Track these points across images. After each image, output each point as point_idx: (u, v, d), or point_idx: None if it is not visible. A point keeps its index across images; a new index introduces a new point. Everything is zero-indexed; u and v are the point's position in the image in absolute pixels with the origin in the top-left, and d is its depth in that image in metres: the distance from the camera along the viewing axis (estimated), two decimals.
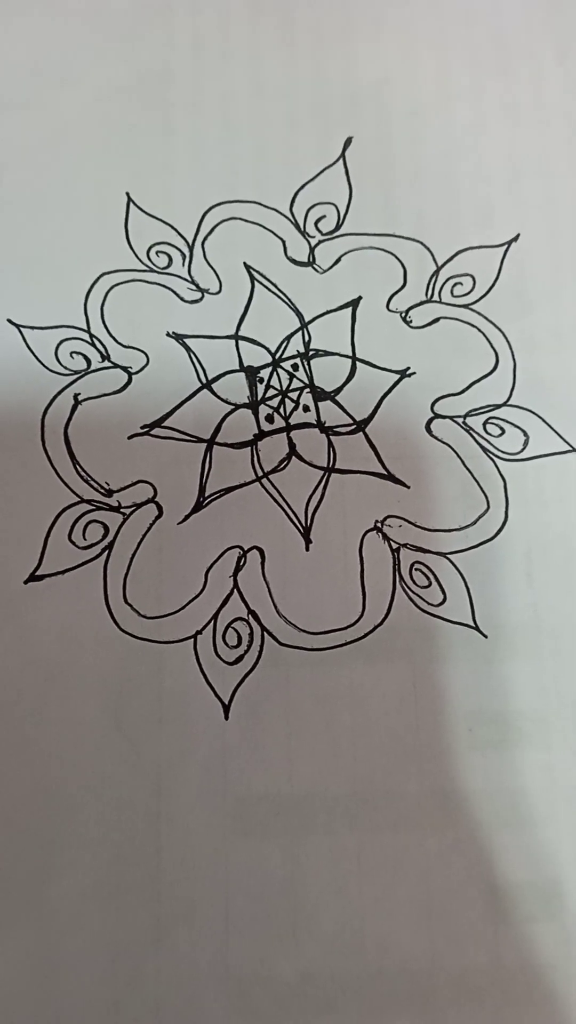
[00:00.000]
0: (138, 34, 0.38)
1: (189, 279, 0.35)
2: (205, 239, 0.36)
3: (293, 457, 0.34)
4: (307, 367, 0.35)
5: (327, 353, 0.35)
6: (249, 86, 0.38)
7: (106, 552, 0.32)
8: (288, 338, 0.35)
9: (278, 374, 0.34)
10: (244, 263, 0.36)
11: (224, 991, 0.29)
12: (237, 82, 0.38)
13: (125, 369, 0.34)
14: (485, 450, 0.34)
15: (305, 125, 0.37)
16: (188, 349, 0.34)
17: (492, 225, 0.37)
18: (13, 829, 0.29)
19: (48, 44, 0.38)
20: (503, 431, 0.34)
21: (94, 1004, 0.28)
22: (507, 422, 0.34)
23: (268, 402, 0.34)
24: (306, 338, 0.35)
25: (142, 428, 0.34)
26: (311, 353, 0.35)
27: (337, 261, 0.36)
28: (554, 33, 0.39)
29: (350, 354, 0.35)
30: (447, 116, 0.38)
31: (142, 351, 0.34)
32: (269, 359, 0.35)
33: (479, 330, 0.35)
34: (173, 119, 0.37)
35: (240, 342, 0.35)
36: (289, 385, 0.34)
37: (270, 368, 0.35)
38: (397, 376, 0.35)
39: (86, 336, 0.34)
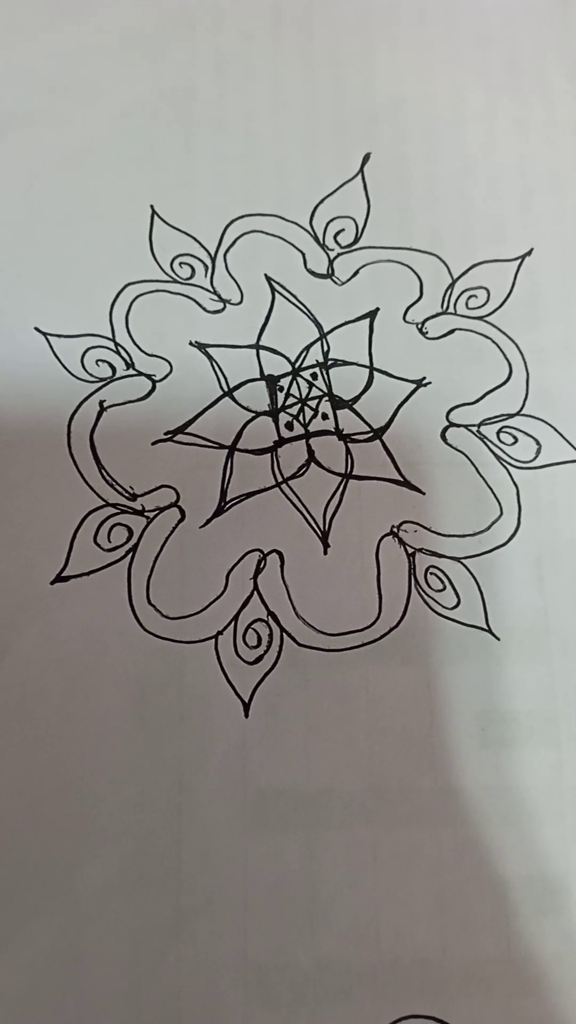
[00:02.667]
0: (162, 52, 0.39)
1: (211, 290, 0.36)
2: (227, 251, 0.37)
3: (312, 463, 0.34)
4: (326, 376, 0.35)
5: (345, 363, 0.36)
6: (270, 103, 0.39)
7: (130, 554, 0.33)
8: (307, 348, 0.36)
9: (298, 383, 0.35)
10: (265, 275, 0.36)
11: (242, 979, 0.29)
12: (258, 99, 0.39)
13: (149, 377, 0.35)
14: (498, 458, 0.35)
15: (324, 142, 0.38)
16: (210, 358, 0.35)
17: (505, 239, 0.37)
18: (40, 822, 0.30)
19: (75, 62, 0.39)
20: (516, 440, 0.35)
21: (117, 991, 0.29)
22: (520, 431, 0.35)
23: (288, 410, 0.35)
24: (325, 348, 0.36)
25: (165, 434, 0.34)
26: (330, 363, 0.35)
27: (355, 273, 0.37)
28: (564, 54, 0.40)
29: (368, 364, 0.35)
30: (461, 134, 0.39)
31: (166, 359, 0.35)
32: (289, 368, 0.35)
33: (493, 341, 0.36)
34: (196, 135, 0.38)
35: (261, 351, 0.35)
36: (308, 393, 0.35)
37: (290, 377, 0.35)
38: (413, 385, 0.35)
39: (111, 344, 0.35)
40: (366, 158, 0.38)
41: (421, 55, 0.40)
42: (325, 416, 0.35)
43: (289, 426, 0.35)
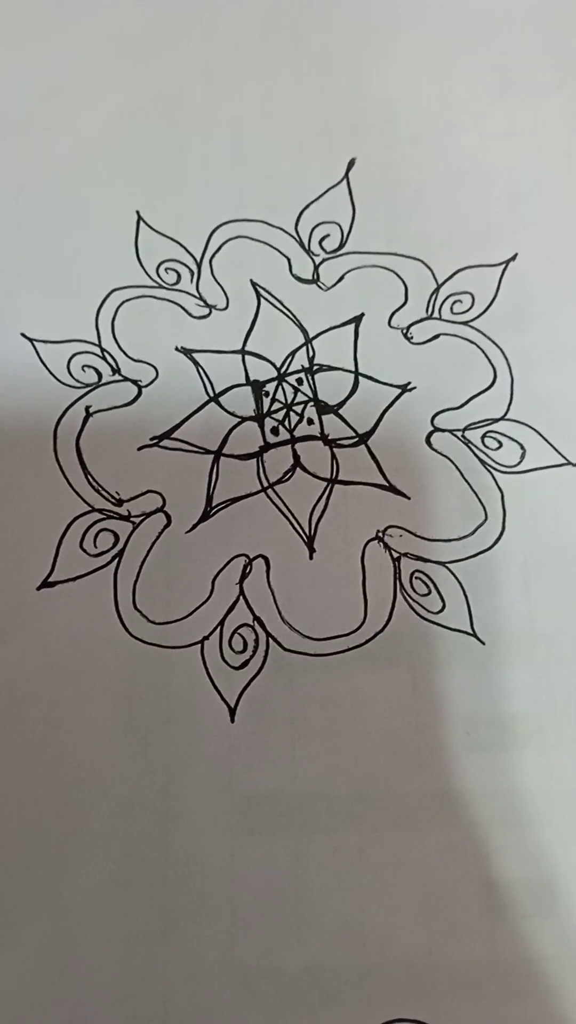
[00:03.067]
0: (152, 58, 0.39)
1: (197, 295, 0.36)
2: (213, 256, 0.37)
3: (297, 468, 0.34)
4: (311, 381, 0.35)
5: (331, 368, 0.36)
6: (259, 109, 0.39)
7: (116, 560, 0.33)
8: (293, 353, 0.36)
9: (283, 388, 0.35)
10: (251, 280, 0.36)
11: (230, 983, 0.29)
12: (247, 105, 0.39)
13: (135, 382, 0.35)
14: (483, 463, 0.35)
15: (312, 147, 0.38)
16: (196, 363, 0.35)
17: (492, 245, 0.37)
18: (28, 827, 0.30)
19: (64, 67, 0.39)
20: (501, 444, 0.35)
21: (105, 995, 0.29)
22: (505, 436, 0.35)
23: (273, 415, 0.35)
24: (310, 353, 0.36)
25: (151, 440, 0.34)
26: (315, 368, 0.36)
27: (341, 279, 0.37)
28: (553, 60, 0.40)
29: (353, 369, 0.36)
30: (449, 139, 0.39)
31: (152, 365, 0.35)
32: (275, 373, 0.35)
33: (478, 346, 0.36)
34: (184, 140, 0.38)
35: (247, 357, 0.36)
36: (294, 399, 0.35)
37: (275, 382, 0.35)
38: (398, 391, 0.35)
39: (97, 350, 0.35)
40: (351, 164, 0.38)
41: (410, 61, 0.40)
42: (311, 421, 0.35)
43: (275, 431, 0.35)
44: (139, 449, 0.34)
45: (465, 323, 0.36)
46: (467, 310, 0.36)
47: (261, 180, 0.38)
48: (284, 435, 0.35)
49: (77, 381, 0.35)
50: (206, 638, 0.32)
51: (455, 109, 0.39)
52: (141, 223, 0.37)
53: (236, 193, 0.37)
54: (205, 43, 0.40)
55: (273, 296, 0.36)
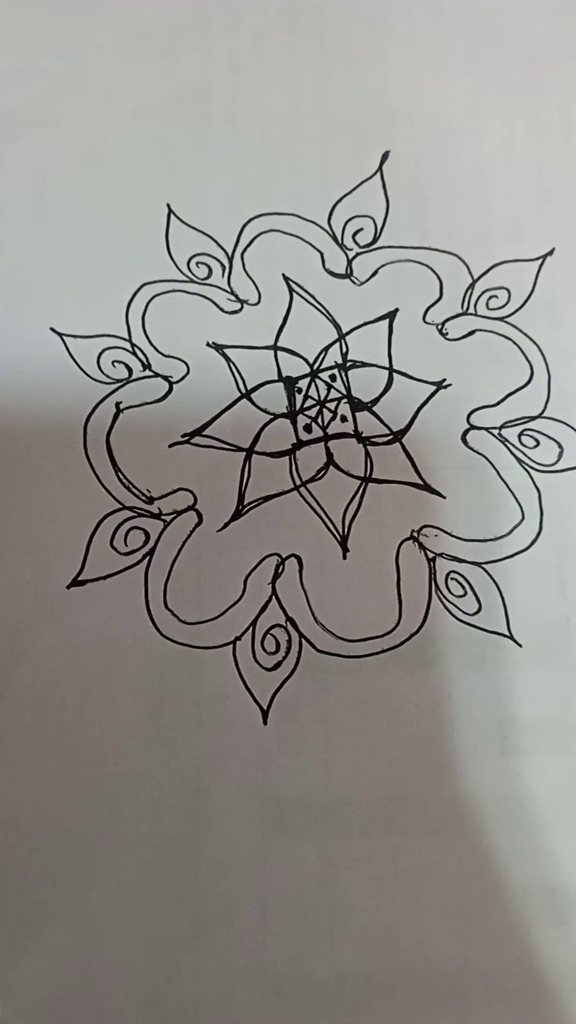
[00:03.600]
0: (177, 52, 0.39)
1: (228, 290, 0.36)
2: (244, 251, 0.36)
3: (331, 467, 0.34)
4: (345, 378, 0.35)
5: (364, 364, 0.35)
6: (285, 102, 0.38)
7: (147, 558, 0.33)
8: (326, 349, 0.35)
9: (316, 384, 0.35)
10: (283, 275, 0.36)
11: (261, 989, 0.29)
12: (273, 98, 0.38)
13: (166, 378, 0.35)
14: (520, 461, 0.34)
15: (341, 140, 0.38)
16: (227, 359, 0.35)
17: (525, 239, 0.37)
18: (58, 829, 0.30)
19: (89, 61, 0.39)
20: (538, 443, 0.34)
21: (134, 1001, 0.29)
22: (542, 434, 0.35)
23: (306, 412, 0.35)
24: (344, 349, 0.35)
25: (182, 437, 0.34)
26: (348, 364, 0.35)
27: (374, 273, 0.36)
28: None
29: (387, 365, 0.35)
30: (479, 133, 0.38)
31: (182, 360, 0.35)
32: (307, 370, 0.35)
33: (514, 343, 0.36)
34: (211, 133, 0.38)
35: (279, 352, 0.35)
36: (327, 395, 0.35)
37: (308, 378, 0.35)
38: (433, 387, 0.35)
39: (127, 345, 0.35)
40: (385, 156, 0.38)
41: (437, 53, 0.39)
42: (344, 418, 0.35)
43: (307, 428, 0.34)
44: (170, 446, 0.34)
45: (501, 319, 0.36)
46: (503, 306, 0.36)
47: (291, 173, 0.37)
48: (317, 432, 0.34)
49: (107, 377, 0.34)
50: (238, 639, 0.32)
51: (484, 101, 0.39)
52: (172, 216, 0.36)
53: (266, 186, 0.37)
54: (229, 35, 0.39)
55: (306, 291, 0.36)
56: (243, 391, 0.35)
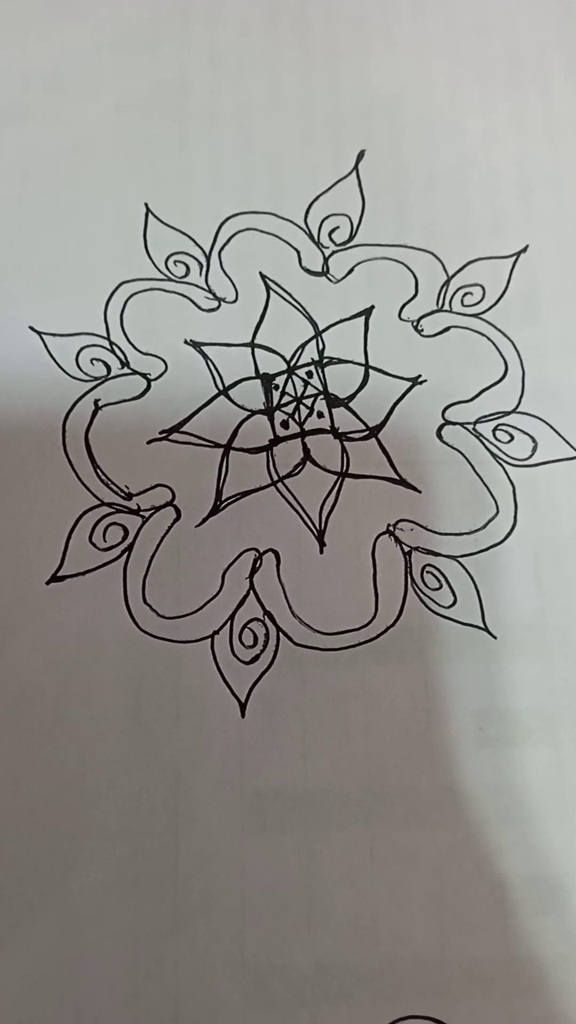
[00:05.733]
0: (156, 47, 0.39)
1: (206, 288, 0.36)
2: (222, 249, 0.36)
3: (307, 462, 0.34)
4: (321, 374, 0.35)
5: (341, 361, 0.35)
6: (265, 98, 0.39)
7: (126, 554, 0.33)
8: (303, 346, 0.36)
9: (293, 381, 0.35)
10: (260, 273, 0.36)
11: (240, 981, 0.29)
12: (253, 94, 0.39)
13: (144, 376, 0.35)
14: (495, 456, 0.34)
15: (320, 138, 0.38)
16: (205, 356, 0.35)
17: (502, 236, 0.37)
18: (36, 823, 0.30)
19: (68, 56, 0.39)
20: (512, 437, 0.35)
21: (114, 994, 0.29)
22: (516, 429, 0.35)
23: (283, 408, 0.35)
24: (320, 346, 0.36)
25: (161, 433, 0.34)
26: (325, 361, 0.35)
27: (350, 271, 0.37)
28: (563, 49, 0.40)
29: (363, 362, 0.35)
30: (459, 129, 0.39)
31: (160, 358, 0.35)
32: (284, 366, 0.35)
33: (489, 339, 0.36)
34: (190, 130, 0.38)
35: (256, 350, 0.35)
36: (304, 392, 0.35)
37: (285, 375, 0.35)
38: (409, 383, 0.35)
39: (106, 343, 0.35)
40: (360, 155, 0.38)
41: (418, 49, 0.40)
42: (320, 414, 0.35)
43: (284, 425, 0.35)
44: (148, 443, 0.34)
45: (476, 315, 0.36)
46: (478, 302, 0.36)
47: (269, 171, 0.38)
48: (294, 428, 0.35)
49: (86, 374, 0.35)
50: (216, 632, 0.32)
51: (464, 98, 0.39)
52: (149, 215, 0.37)
53: (244, 185, 0.37)
54: (210, 31, 0.39)
55: (283, 289, 0.36)
56: (221, 388, 0.35)
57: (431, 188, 0.38)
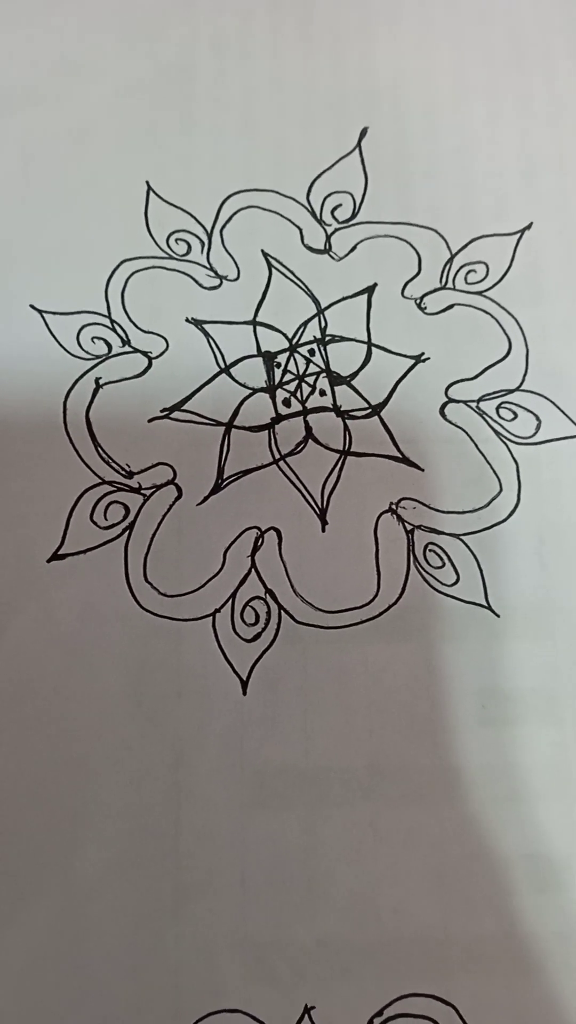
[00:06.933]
0: (160, 30, 0.39)
1: (208, 266, 0.36)
2: (223, 227, 0.36)
3: (310, 440, 0.34)
4: (323, 352, 0.35)
5: (343, 339, 0.35)
6: (268, 80, 0.38)
7: (127, 532, 0.33)
8: (305, 324, 0.35)
9: (295, 359, 0.35)
10: (262, 250, 0.36)
11: (241, 957, 0.29)
12: (257, 75, 0.38)
13: (145, 354, 0.35)
14: (498, 434, 0.34)
15: (323, 117, 0.38)
16: (207, 334, 0.35)
17: (506, 214, 0.37)
18: (38, 801, 0.30)
19: (72, 40, 0.39)
20: (516, 415, 0.35)
21: (116, 970, 0.29)
22: (520, 407, 0.35)
23: (285, 386, 0.35)
24: (322, 324, 0.35)
25: (162, 411, 0.34)
26: (327, 339, 0.35)
27: (353, 249, 0.36)
28: (567, 30, 0.40)
29: (366, 340, 0.35)
30: (462, 109, 0.38)
31: (162, 336, 0.35)
32: (286, 344, 0.35)
33: (492, 317, 0.36)
34: (193, 111, 0.38)
35: (258, 328, 0.35)
36: (306, 370, 0.35)
37: (287, 353, 0.35)
38: (412, 361, 0.35)
39: (107, 321, 0.35)
40: (363, 132, 0.38)
41: (422, 30, 0.40)
42: (323, 392, 0.35)
43: (287, 403, 0.34)
44: (150, 421, 0.34)
45: (479, 293, 0.36)
46: (481, 280, 0.36)
47: (271, 150, 0.37)
48: (296, 407, 0.34)
49: (87, 353, 0.34)
50: (218, 611, 0.32)
51: (468, 78, 0.39)
52: (151, 193, 0.36)
53: (246, 163, 0.37)
54: (213, 15, 0.39)
55: (284, 266, 0.36)
56: (222, 366, 0.35)
57: (434, 167, 0.38)
